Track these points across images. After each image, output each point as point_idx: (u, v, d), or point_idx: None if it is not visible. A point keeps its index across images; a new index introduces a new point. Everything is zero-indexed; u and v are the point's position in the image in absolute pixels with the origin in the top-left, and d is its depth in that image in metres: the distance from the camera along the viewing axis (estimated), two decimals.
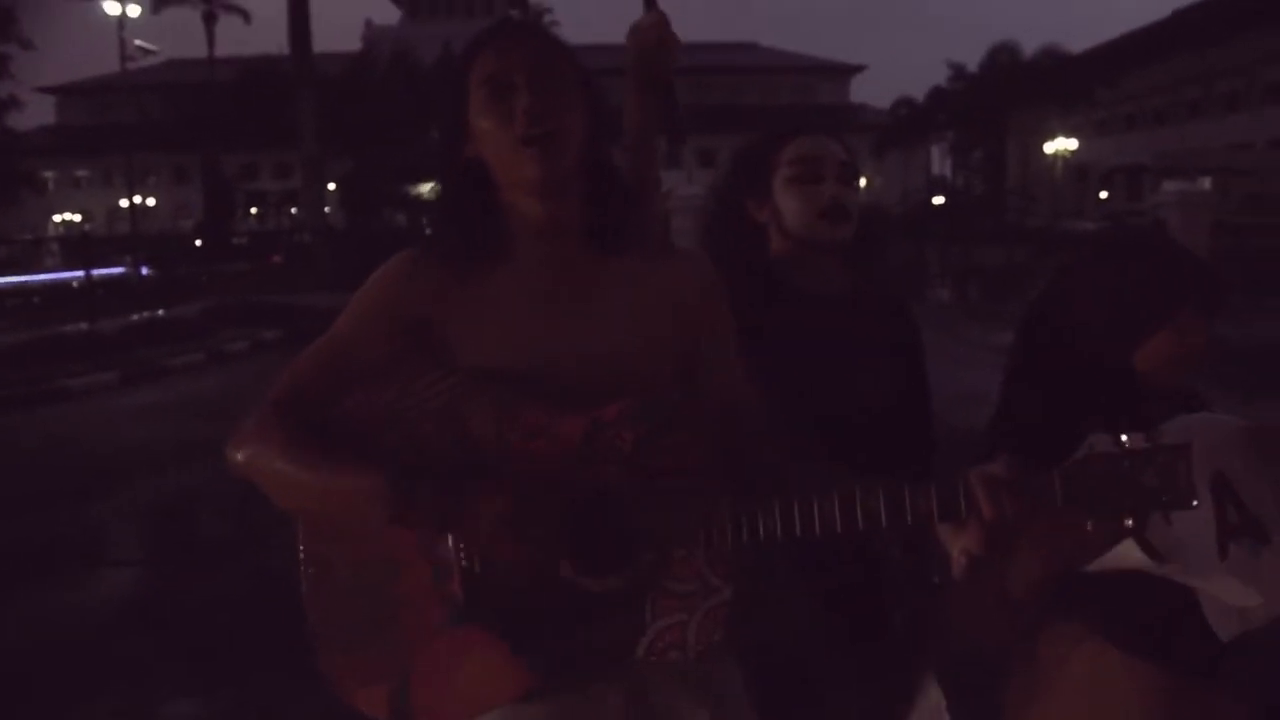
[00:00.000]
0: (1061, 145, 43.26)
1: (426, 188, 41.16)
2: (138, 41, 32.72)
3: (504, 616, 1.39)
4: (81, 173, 63.65)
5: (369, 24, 67.44)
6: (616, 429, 1.39)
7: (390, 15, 72.75)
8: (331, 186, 36.80)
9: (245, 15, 50.99)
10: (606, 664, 1.42)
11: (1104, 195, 46.55)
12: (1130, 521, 1.30)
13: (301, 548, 1.49)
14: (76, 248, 30.98)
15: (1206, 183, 27.65)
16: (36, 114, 64.17)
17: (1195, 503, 1.30)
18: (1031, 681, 1.64)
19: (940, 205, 36.90)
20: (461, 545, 1.40)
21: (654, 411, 1.40)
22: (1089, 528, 1.31)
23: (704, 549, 1.39)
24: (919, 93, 49.15)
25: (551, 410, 1.40)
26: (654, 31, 1.74)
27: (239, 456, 1.44)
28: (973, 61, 46.11)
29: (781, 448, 1.56)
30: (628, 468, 1.39)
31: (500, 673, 1.40)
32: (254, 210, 51.13)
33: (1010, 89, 43.47)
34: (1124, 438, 1.29)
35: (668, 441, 1.40)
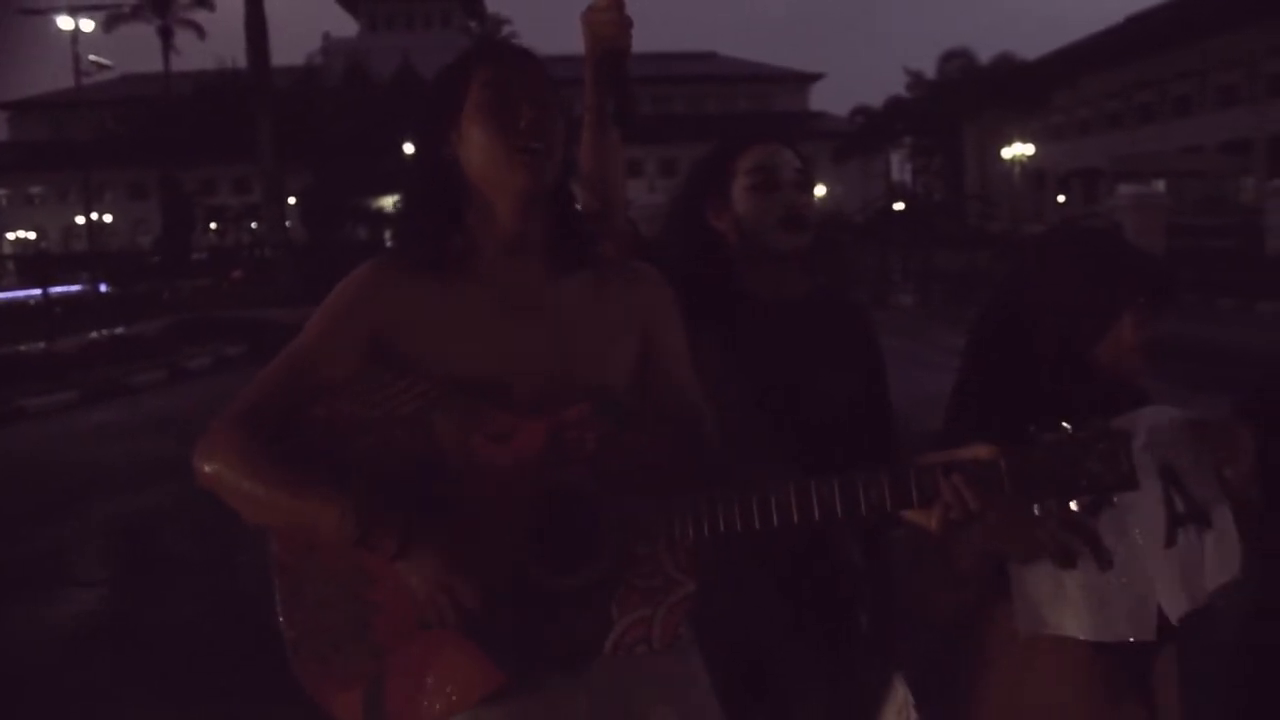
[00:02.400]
0: (1018, 150, 43.76)
1: (388, 200, 41.07)
2: (92, 56, 32.38)
3: (473, 617, 1.41)
4: (36, 189, 62.82)
5: (327, 37, 67.05)
6: (580, 430, 1.44)
7: (348, 28, 72.51)
8: (292, 200, 36.53)
9: (200, 30, 50.62)
10: (574, 661, 1.45)
11: (1061, 199, 47.13)
12: (1076, 505, 1.37)
13: (275, 557, 1.50)
14: (32, 266, 30.56)
15: (1161, 185, 28.11)
16: None
17: (1138, 486, 1.37)
18: (983, 660, 1.67)
19: (901, 211, 37.16)
20: None
21: (614, 413, 1.46)
22: (1036, 512, 1.39)
23: (666, 544, 1.43)
24: (878, 100, 49.67)
25: (516, 415, 1.45)
26: (608, 14, 1.75)
27: (206, 469, 1.47)
28: (931, 70, 46.66)
29: (731, 449, 1.60)
30: (592, 468, 1.44)
31: (470, 673, 1.43)
32: (213, 225, 50.61)
33: (967, 96, 43.98)
34: (1065, 425, 1.36)
35: (629, 441, 1.45)
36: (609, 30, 1.74)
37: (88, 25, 31.48)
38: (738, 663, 1.87)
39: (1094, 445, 1.35)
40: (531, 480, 1.44)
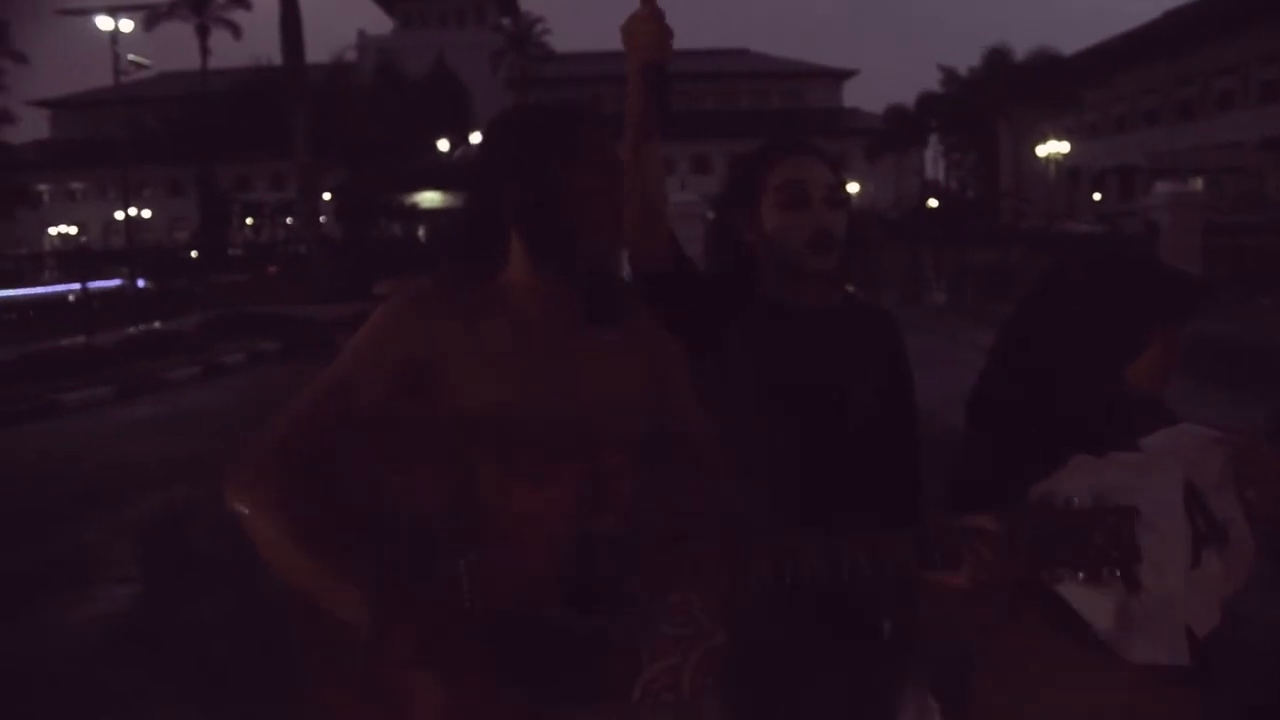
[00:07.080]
0: (1054, 148, 43.30)
1: (422, 197, 41.26)
2: (131, 56, 32.70)
3: (497, 654, 1.42)
4: (76, 186, 63.51)
5: (362, 34, 67.37)
6: (616, 479, 1.46)
7: (383, 25, 72.84)
8: (326, 196, 36.74)
9: (236, 29, 51.07)
10: (600, 704, 1.46)
11: (1097, 196, 46.60)
12: (1083, 575, 1.41)
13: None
14: (72, 261, 30.94)
15: (1199, 183, 27.67)
16: (31, 128, 64.38)
17: (1140, 560, 1.41)
18: (998, 675, 1.66)
19: (934, 209, 36.91)
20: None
21: (648, 463, 1.49)
22: (1045, 579, 1.43)
23: (698, 593, 1.45)
24: (910, 97, 49.36)
25: (548, 458, 1.46)
26: (648, 25, 1.76)
27: (239, 508, 1.47)
28: (964, 65, 46.29)
29: (747, 498, 1.63)
30: (625, 517, 1.45)
31: (493, 711, 1.43)
32: (249, 221, 51.07)
33: (1001, 92, 43.55)
34: (1074, 499, 1.41)
35: (662, 491, 1.48)
36: (650, 41, 1.75)
37: (127, 25, 31.81)
38: (759, 671, 1.87)
39: (1101, 520, 1.40)
40: (564, 522, 1.44)
